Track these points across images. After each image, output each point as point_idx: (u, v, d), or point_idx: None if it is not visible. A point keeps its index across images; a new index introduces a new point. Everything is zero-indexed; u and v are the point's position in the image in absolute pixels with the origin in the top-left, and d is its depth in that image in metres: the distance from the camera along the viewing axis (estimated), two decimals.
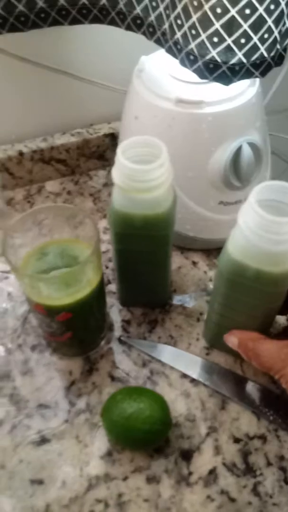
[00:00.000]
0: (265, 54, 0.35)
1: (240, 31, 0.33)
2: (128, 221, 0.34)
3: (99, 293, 0.36)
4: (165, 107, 0.41)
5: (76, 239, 0.36)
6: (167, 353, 0.42)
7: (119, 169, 0.32)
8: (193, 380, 0.40)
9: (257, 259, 0.31)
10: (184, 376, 0.40)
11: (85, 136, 0.57)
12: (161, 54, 0.46)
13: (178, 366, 0.41)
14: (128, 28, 0.43)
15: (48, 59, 0.52)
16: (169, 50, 0.40)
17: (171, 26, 0.38)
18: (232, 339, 0.37)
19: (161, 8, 0.38)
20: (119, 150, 0.32)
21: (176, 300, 0.46)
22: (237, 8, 0.32)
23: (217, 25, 0.33)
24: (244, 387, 0.39)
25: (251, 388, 0.39)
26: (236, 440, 0.37)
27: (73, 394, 0.39)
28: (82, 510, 0.33)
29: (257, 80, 0.43)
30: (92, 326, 0.39)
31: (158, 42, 0.41)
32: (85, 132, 0.57)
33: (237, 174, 0.43)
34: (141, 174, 0.31)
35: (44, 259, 0.35)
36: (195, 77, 0.39)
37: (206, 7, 0.33)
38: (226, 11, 0.32)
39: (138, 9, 0.41)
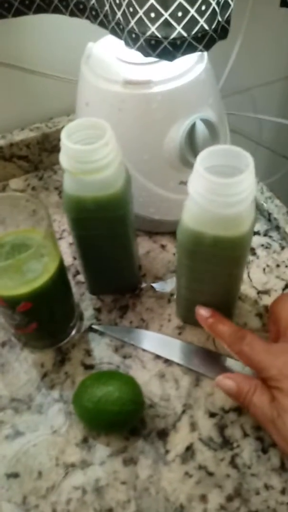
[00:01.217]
0: (206, 27, 0.35)
1: (175, 4, 0.33)
2: (80, 204, 0.34)
3: (60, 280, 0.36)
4: (114, 90, 0.40)
5: (33, 229, 0.36)
6: (139, 337, 0.41)
7: (65, 152, 0.32)
8: (166, 361, 0.40)
9: (212, 225, 0.31)
10: (157, 357, 0.40)
11: (44, 130, 0.56)
12: (108, 39, 0.45)
13: (151, 348, 0.41)
14: (72, 14, 0.43)
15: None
16: (113, 31, 0.39)
17: (111, 6, 0.37)
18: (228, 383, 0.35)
19: None
20: (63, 133, 0.32)
21: (153, 287, 0.45)
22: None
23: (152, 0, 0.33)
24: (217, 363, 0.39)
25: (224, 362, 0.39)
26: (212, 415, 0.37)
27: (46, 386, 0.39)
28: (59, 499, 0.33)
29: (205, 56, 0.43)
30: (57, 315, 0.39)
31: (102, 24, 0.41)
32: (44, 126, 0.57)
33: (194, 151, 0.42)
34: (87, 155, 0.31)
35: (1, 250, 0.34)
36: (142, 58, 0.39)
37: None
38: None
39: None
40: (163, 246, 0.49)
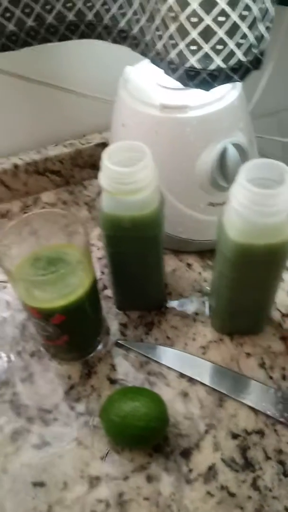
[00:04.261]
0: (243, 59, 0.37)
1: (216, 38, 0.34)
2: (116, 223, 0.35)
3: (92, 295, 0.37)
4: (151, 113, 0.42)
5: (69, 244, 0.37)
6: (164, 354, 0.42)
7: (105, 173, 0.33)
8: (190, 380, 0.40)
9: (261, 235, 0.32)
10: (182, 375, 0.41)
11: (77, 147, 0.58)
12: (145, 63, 0.47)
13: (175, 366, 0.41)
14: (115, 41, 0.45)
15: (38, 74, 0.53)
16: (153, 60, 0.41)
17: (152, 37, 0.39)
18: None
19: (143, 21, 0.40)
20: (105, 155, 0.33)
21: (178, 305, 0.46)
22: (211, 16, 0.33)
23: (193, 34, 0.34)
24: (241, 384, 0.40)
25: (248, 384, 0.40)
26: (234, 436, 0.37)
27: (72, 398, 0.40)
28: (83, 510, 0.33)
29: (239, 83, 0.44)
30: (87, 329, 0.40)
31: (143, 53, 0.43)
32: (78, 142, 0.59)
33: (224, 175, 0.44)
34: (126, 177, 0.32)
35: (38, 264, 0.36)
36: (178, 84, 0.40)
37: (182, 18, 0.34)
38: (201, 20, 0.33)
39: (122, 23, 0.43)
40: (189, 265, 0.50)
